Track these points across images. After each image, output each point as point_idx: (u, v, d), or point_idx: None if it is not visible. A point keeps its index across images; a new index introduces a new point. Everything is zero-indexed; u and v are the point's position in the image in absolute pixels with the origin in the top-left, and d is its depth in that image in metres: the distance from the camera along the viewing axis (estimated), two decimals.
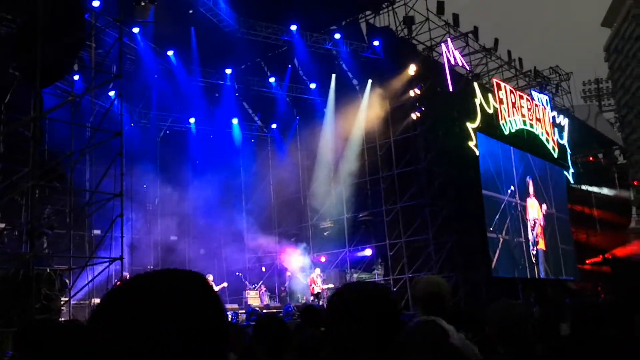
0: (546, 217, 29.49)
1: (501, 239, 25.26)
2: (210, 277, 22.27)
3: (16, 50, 13.81)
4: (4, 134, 15.60)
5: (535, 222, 28.34)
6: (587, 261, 35.18)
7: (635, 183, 54.90)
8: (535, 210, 28.64)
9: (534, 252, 27.76)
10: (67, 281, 13.89)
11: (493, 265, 24.16)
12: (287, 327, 4.68)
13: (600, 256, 37.44)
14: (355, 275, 26.20)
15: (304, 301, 23.61)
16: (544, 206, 29.38)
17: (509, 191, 26.59)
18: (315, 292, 22.29)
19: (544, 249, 28.57)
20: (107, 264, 13.79)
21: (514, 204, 26.99)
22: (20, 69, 14.49)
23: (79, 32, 13.97)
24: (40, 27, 11.81)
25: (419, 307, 4.13)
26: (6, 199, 14.13)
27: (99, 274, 14.06)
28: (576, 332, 4.49)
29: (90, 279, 14.07)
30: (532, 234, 27.94)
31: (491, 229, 24.66)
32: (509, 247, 25.58)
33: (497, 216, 25.26)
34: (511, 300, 4.27)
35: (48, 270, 12.86)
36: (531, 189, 28.57)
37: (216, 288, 21.35)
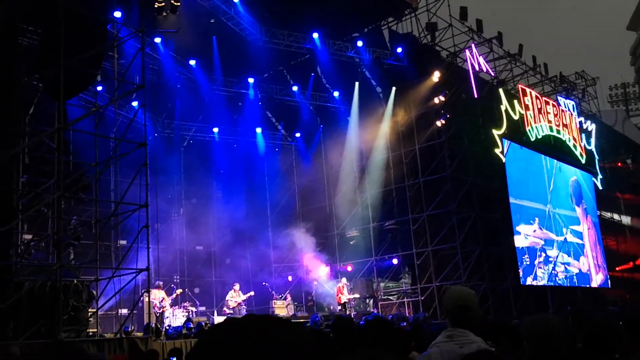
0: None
1: (535, 245, 25.23)
2: (237, 286, 22.27)
3: (39, 62, 13.85)
4: (28, 145, 15.65)
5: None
6: (617, 268, 34.69)
7: None
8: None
9: (568, 262, 27.62)
10: (95, 292, 13.85)
11: (525, 275, 24.11)
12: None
13: (631, 263, 36.91)
14: (382, 284, 26.05)
15: (330, 310, 23.49)
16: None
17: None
18: (342, 301, 22.13)
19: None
20: (134, 274, 13.75)
21: (547, 212, 26.83)
22: (43, 80, 14.54)
23: (102, 43, 13.99)
24: (63, 38, 11.81)
25: (447, 318, 4.10)
26: (32, 211, 14.13)
27: (126, 284, 14.01)
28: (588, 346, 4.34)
29: (117, 289, 14.02)
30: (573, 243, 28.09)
31: (525, 234, 24.65)
32: (538, 253, 25.45)
33: (528, 222, 25.22)
34: (547, 315, 4.15)
35: (75, 281, 12.84)
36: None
37: (243, 297, 21.55)
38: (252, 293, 22.53)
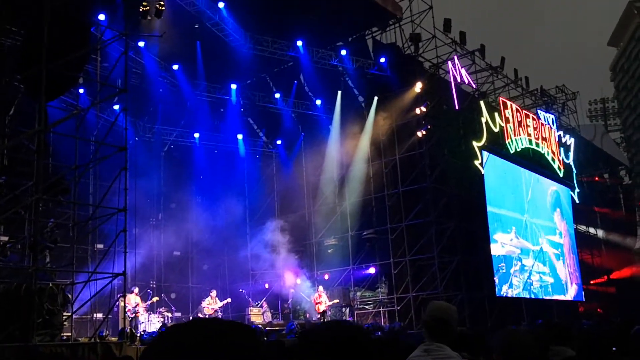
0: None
1: (511, 253, 25.45)
2: (213, 293, 22.18)
3: (21, 62, 13.77)
4: (8, 147, 15.52)
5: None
6: (591, 282, 34.98)
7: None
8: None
9: (543, 272, 27.81)
10: (70, 296, 13.75)
11: (500, 283, 24.28)
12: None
13: (605, 277, 37.22)
14: (358, 293, 26.06)
15: (305, 318, 23.47)
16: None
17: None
18: (321, 310, 22.09)
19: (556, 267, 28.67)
20: (110, 279, 13.66)
21: (524, 221, 27.06)
22: (25, 81, 14.44)
23: (85, 45, 13.93)
24: (46, 40, 11.77)
25: (424, 331, 4.11)
26: (10, 213, 14.01)
27: (102, 289, 13.93)
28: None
29: (92, 293, 13.93)
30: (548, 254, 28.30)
31: (502, 243, 24.85)
32: (515, 262, 25.66)
33: (505, 231, 25.44)
34: (516, 328, 4.32)
35: (50, 284, 12.74)
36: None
37: (220, 304, 21.43)
38: (228, 300, 22.43)
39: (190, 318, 20.07)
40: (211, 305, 21.74)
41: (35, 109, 12.96)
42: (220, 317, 21.70)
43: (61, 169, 16.22)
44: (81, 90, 20.26)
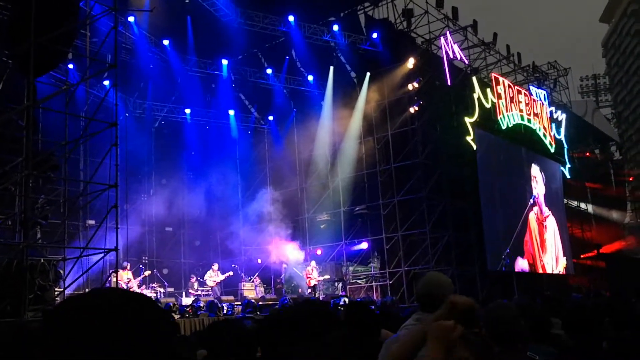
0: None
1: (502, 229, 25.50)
2: (215, 266, 22.43)
3: (9, 38, 13.62)
4: None
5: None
6: (582, 256, 35.25)
7: (630, 179, 55.11)
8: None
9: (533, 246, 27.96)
10: (62, 272, 13.74)
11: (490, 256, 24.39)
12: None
13: (595, 251, 37.51)
14: (351, 268, 26.17)
15: (299, 293, 23.55)
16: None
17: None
18: (312, 284, 22.25)
19: (539, 243, 28.70)
20: (102, 254, 13.64)
21: (516, 198, 27.13)
22: (13, 57, 14.30)
23: (74, 19, 13.78)
24: (34, 14, 11.63)
25: (419, 304, 4.17)
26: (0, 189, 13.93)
27: (93, 264, 13.92)
28: (570, 334, 4.56)
29: (84, 269, 13.92)
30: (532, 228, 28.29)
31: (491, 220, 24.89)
32: (507, 238, 25.73)
33: (495, 208, 25.47)
34: (504, 301, 4.41)
35: (42, 260, 12.73)
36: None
37: (222, 277, 21.68)
38: (230, 273, 22.56)
39: (183, 293, 20.07)
40: (213, 277, 21.98)
41: (24, 84, 12.84)
42: (219, 290, 22.01)
43: (51, 145, 16.12)
44: (70, 66, 20.09)
